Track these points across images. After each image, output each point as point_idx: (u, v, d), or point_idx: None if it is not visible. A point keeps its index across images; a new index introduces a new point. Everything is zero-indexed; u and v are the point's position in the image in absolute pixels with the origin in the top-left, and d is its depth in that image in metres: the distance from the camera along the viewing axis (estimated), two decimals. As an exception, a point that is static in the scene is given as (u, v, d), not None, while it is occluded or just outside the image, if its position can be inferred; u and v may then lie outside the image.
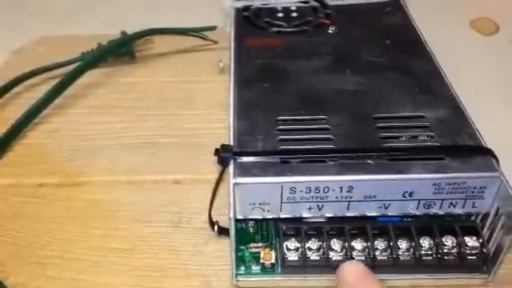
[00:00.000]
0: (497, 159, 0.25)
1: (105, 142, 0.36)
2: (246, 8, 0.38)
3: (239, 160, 0.26)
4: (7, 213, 0.32)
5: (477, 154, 0.25)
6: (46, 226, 0.31)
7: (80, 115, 0.39)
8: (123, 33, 0.43)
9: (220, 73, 0.41)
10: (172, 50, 0.45)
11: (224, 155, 0.26)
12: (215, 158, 0.27)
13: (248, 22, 0.37)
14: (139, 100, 0.40)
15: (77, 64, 0.39)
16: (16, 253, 0.29)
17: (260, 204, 0.25)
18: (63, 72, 0.41)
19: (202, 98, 0.39)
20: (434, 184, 0.25)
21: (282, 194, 0.25)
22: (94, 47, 0.43)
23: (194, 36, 0.44)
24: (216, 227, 0.29)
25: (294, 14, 0.37)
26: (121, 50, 0.43)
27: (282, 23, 0.36)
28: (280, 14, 0.37)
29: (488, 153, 0.25)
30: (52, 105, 0.38)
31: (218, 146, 0.27)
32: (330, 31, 0.35)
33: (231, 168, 0.25)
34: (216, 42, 0.44)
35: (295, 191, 0.25)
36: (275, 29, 0.36)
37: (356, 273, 0.25)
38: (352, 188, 0.25)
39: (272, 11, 0.38)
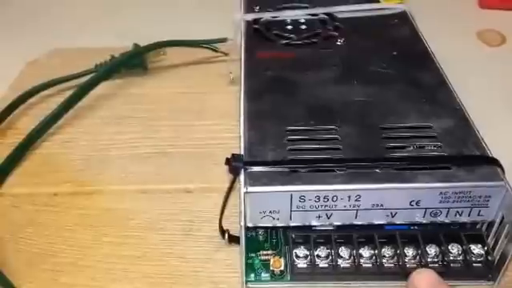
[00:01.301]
0: (502, 169, 0.26)
1: (118, 152, 0.37)
2: (256, 20, 0.39)
3: (250, 169, 0.26)
4: (22, 221, 0.32)
5: (483, 163, 0.26)
6: (60, 234, 0.32)
7: (93, 126, 0.39)
8: (135, 45, 0.44)
9: (230, 84, 0.41)
10: (183, 62, 0.46)
11: (235, 165, 0.27)
12: (226, 168, 0.28)
13: (258, 34, 0.38)
14: (151, 111, 0.40)
15: (91, 75, 0.40)
16: (30, 260, 0.30)
17: (270, 212, 0.26)
18: (76, 83, 0.42)
19: (213, 108, 0.40)
20: (441, 193, 0.25)
21: (291, 202, 0.26)
22: (107, 59, 0.44)
23: (204, 48, 0.45)
24: (226, 235, 0.30)
25: (303, 27, 0.38)
26: (133, 62, 0.43)
27: (291, 35, 0.37)
28: (289, 27, 0.38)
29: (494, 162, 0.26)
30: (66, 115, 0.39)
31: (229, 156, 0.27)
32: (339, 43, 0.36)
33: (242, 177, 0.26)
34: (226, 54, 0.44)
35: (304, 200, 0.26)
36: (285, 41, 0.37)
37: (429, 282, 0.25)
38: (360, 197, 0.26)
39: (281, 24, 0.39)
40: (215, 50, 0.45)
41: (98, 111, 0.41)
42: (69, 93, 0.40)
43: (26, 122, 0.40)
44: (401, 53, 0.35)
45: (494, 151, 0.27)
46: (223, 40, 0.44)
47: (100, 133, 0.39)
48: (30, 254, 0.30)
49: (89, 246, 0.31)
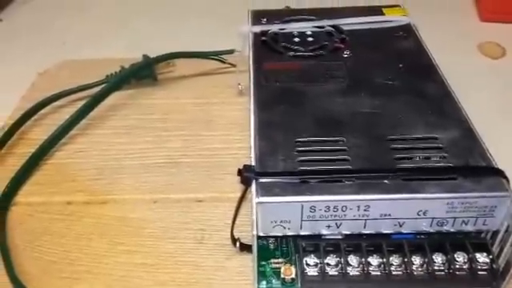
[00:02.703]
0: (507, 179, 0.26)
1: (129, 162, 0.38)
2: (264, 33, 0.40)
3: (261, 180, 0.27)
4: (38, 229, 0.33)
5: (488, 174, 0.27)
6: (75, 242, 0.32)
7: (105, 136, 0.40)
8: (145, 56, 0.45)
9: (239, 95, 0.42)
10: (192, 73, 0.46)
11: (247, 175, 0.27)
12: (235, 178, 0.29)
13: (266, 46, 0.39)
14: (161, 121, 0.41)
15: (102, 86, 0.41)
16: (46, 268, 0.31)
17: (281, 222, 0.27)
18: (87, 94, 0.43)
19: (222, 119, 0.41)
20: (448, 203, 0.26)
21: (302, 212, 0.26)
22: (117, 70, 0.44)
23: (213, 59, 0.46)
24: (238, 244, 0.31)
25: (310, 39, 0.39)
26: (143, 73, 0.44)
27: (298, 47, 0.38)
28: (296, 39, 0.39)
29: (499, 173, 0.27)
30: (78, 126, 0.40)
31: (238, 166, 0.28)
32: (345, 55, 0.37)
33: (254, 188, 0.27)
34: (234, 65, 0.45)
35: (315, 210, 0.26)
36: (292, 53, 0.38)
37: None
38: (369, 207, 0.26)
39: (289, 36, 0.39)
40: (223, 62, 0.46)
41: (109, 121, 0.42)
42: (80, 103, 0.41)
43: (38, 132, 0.41)
44: (406, 65, 0.36)
45: (498, 162, 0.28)
46: (231, 51, 0.45)
47: (111, 143, 0.39)
48: (46, 261, 0.31)
49: (104, 254, 0.31)
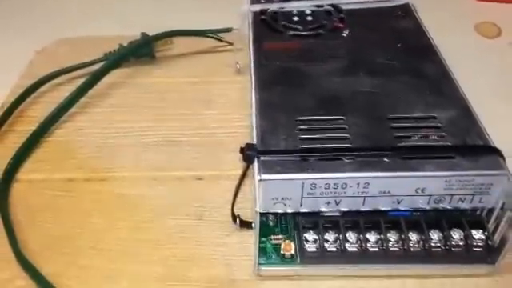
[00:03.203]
0: (504, 158, 0.27)
1: (129, 140, 0.38)
2: (263, 11, 0.40)
3: (263, 158, 0.27)
4: (40, 206, 0.34)
5: (485, 153, 0.27)
6: (77, 219, 0.33)
7: (104, 114, 0.40)
8: (143, 34, 0.45)
9: (237, 73, 0.42)
10: (190, 51, 0.46)
11: (249, 153, 0.28)
12: (235, 156, 0.29)
13: (265, 25, 0.39)
14: (159, 100, 0.41)
15: (102, 64, 0.41)
16: (49, 243, 0.31)
17: (282, 199, 0.27)
18: (85, 72, 0.43)
19: (220, 97, 0.41)
20: (445, 181, 0.26)
21: (302, 189, 0.27)
22: (115, 48, 0.44)
23: (210, 37, 0.46)
24: (238, 220, 0.31)
25: (309, 18, 0.39)
26: (142, 51, 0.44)
27: (297, 27, 0.38)
28: (296, 18, 0.39)
29: (495, 152, 0.27)
30: (77, 104, 0.40)
31: (238, 145, 0.29)
32: (344, 35, 0.37)
33: (256, 166, 0.27)
34: (231, 44, 0.45)
35: (315, 187, 0.27)
36: (291, 32, 0.38)
37: None
38: (368, 184, 0.27)
39: (288, 15, 0.39)
40: (220, 40, 0.46)
41: (109, 99, 0.42)
42: (78, 81, 0.41)
43: (37, 110, 0.41)
44: (405, 45, 0.36)
45: (495, 141, 0.28)
46: (228, 30, 0.45)
47: (111, 121, 0.40)
48: (49, 237, 0.32)
49: (105, 230, 0.32)
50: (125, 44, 0.44)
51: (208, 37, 0.46)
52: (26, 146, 0.37)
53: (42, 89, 0.42)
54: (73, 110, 0.40)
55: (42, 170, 0.36)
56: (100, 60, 0.43)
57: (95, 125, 0.39)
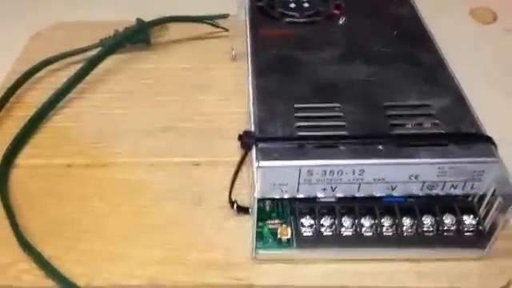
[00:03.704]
0: (495, 146, 0.28)
1: (126, 126, 0.38)
2: (260, -2, 0.40)
3: (261, 145, 0.28)
4: (39, 191, 0.34)
5: (477, 140, 0.28)
6: (77, 203, 0.33)
7: (101, 100, 0.41)
8: (139, 20, 0.45)
9: (232, 60, 0.43)
10: (186, 37, 0.46)
11: (247, 141, 0.28)
12: (232, 142, 0.30)
13: (262, 11, 0.39)
14: (156, 86, 0.42)
15: (98, 50, 0.41)
16: (50, 228, 0.32)
17: (280, 185, 0.28)
18: (81, 58, 0.43)
19: (216, 84, 0.41)
20: (439, 168, 0.27)
21: (299, 176, 0.28)
22: (110, 33, 0.44)
23: (206, 24, 0.46)
24: (235, 206, 0.32)
25: (306, 5, 0.39)
26: (138, 37, 0.44)
27: (294, 14, 0.38)
28: (292, 5, 0.39)
29: (487, 140, 0.28)
30: (74, 89, 0.40)
31: (235, 131, 0.29)
32: (341, 22, 0.38)
33: (254, 152, 0.28)
34: (227, 30, 0.45)
35: (312, 174, 0.27)
36: (288, 19, 0.38)
37: None
38: (363, 171, 0.27)
39: (284, 2, 0.39)
40: (216, 26, 0.46)
41: (106, 85, 0.42)
42: (73, 66, 0.42)
43: (34, 95, 0.41)
44: (401, 32, 0.36)
45: (486, 128, 0.29)
46: (225, 16, 0.45)
47: (109, 107, 0.40)
48: (50, 222, 0.32)
49: (105, 215, 0.32)
50: (120, 30, 0.44)
51: (204, 23, 0.46)
52: (24, 132, 0.37)
53: (39, 74, 0.42)
54: (70, 95, 0.40)
55: (41, 155, 0.36)
56: (96, 46, 0.43)
57: (93, 110, 0.40)
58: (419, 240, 0.29)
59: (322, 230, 0.29)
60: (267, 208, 0.31)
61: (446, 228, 0.29)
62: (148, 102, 0.40)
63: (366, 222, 0.29)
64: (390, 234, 0.29)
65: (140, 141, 0.37)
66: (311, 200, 0.29)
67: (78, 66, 0.40)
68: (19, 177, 0.35)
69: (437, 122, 0.29)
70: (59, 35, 0.47)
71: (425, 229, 0.29)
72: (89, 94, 0.41)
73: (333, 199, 0.29)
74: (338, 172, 0.28)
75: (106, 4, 0.53)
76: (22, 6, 0.54)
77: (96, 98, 0.41)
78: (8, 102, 0.40)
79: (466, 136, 0.28)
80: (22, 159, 0.36)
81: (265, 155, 0.27)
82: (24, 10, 0.53)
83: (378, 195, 0.29)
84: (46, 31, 0.48)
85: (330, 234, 0.29)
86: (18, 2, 0.54)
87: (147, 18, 0.45)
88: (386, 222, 0.29)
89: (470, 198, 0.30)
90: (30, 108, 0.39)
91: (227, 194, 0.32)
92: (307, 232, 0.30)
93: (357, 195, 0.29)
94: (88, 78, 0.41)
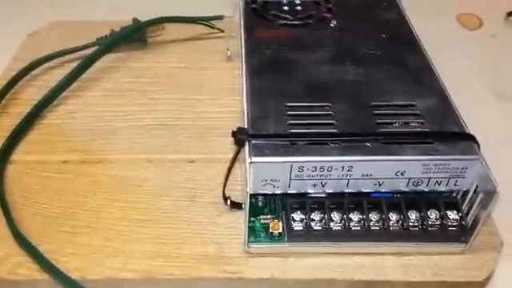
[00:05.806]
0: (478, 144, 0.29)
1: (122, 124, 0.39)
2: (254, 1, 0.41)
3: (253, 142, 0.29)
4: (35, 187, 0.35)
5: (461, 139, 0.29)
6: (73, 199, 0.34)
7: (97, 98, 0.41)
8: (135, 19, 0.46)
9: (227, 60, 0.44)
10: (182, 37, 0.47)
11: (240, 137, 0.29)
12: (226, 140, 0.31)
13: (256, 13, 0.40)
14: (151, 84, 0.42)
15: (94, 49, 0.42)
16: (45, 223, 0.32)
17: (271, 180, 0.29)
18: (77, 56, 0.44)
19: (211, 83, 0.42)
20: (424, 165, 0.28)
21: (291, 172, 0.29)
22: (107, 33, 0.45)
23: (202, 24, 0.46)
24: (229, 201, 0.33)
25: (299, 8, 0.40)
26: (134, 36, 0.45)
27: (287, 16, 0.39)
28: (285, 7, 0.40)
29: (470, 138, 0.29)
30: (70, 87, 0.41)
31: (228, 129, 0.30)
32: (332, 25, 0.39)
33: (247, 149, 0.29)
34: (222, 31, 0.46)
35: (303, 170, 0.28)
36: (281, 21, 0.39)
37: None
38: (352, 167, 0.29)
39: (278, 4, 0.41)
40: (212, 27, 0.47)
41: (101, 84, 0.42)
42: (69, 65, 0.42)
43: (30, 93, 0.41)
44: (389, 35, 0.37)
45: (471, 128, 0.30)
46: (220, 17, 0.46)
47: (104, 105, 0.41)
48: (46, 217, 0.33)
49: (101, 210, 0.33)
50: (116, 29, 0.45)
51: (201, 24, 0.47)
52: (20, 128, 0.37)
53: (35, 72, 0.43)
54: (66, 93, 0.40)
55: (37, 152, 0.37)
56: (92, 44, 0.44)
57: (89, 108, 0.40)
58: (405, 234, 0.30)
59: (313, 224, 0.30)
60: (260, 204, 0.32)
61: (430, 223, 0.30)
62: (142, 100, 0.41)
63: (355, 217, 0.30)
64: (378, 228, 0.30)
65: (135, 138, 0.38)
66: (302, 195, 0.30)
67: (74, 65, 0.41)
68: (15, 173, 0.36)
69: (422, 121, 0.30)
70: (56, 34, 0.48)
71: (410, 223, 0.30)
72: (85, 91, 0.42)
73: (323, 195, 0.30)
74: (327, 168, 0.29)
75: (103, 4, 0.54)
76: (18, 5, 0.54)
77: (91, 96, 0.41)
78: (4, 98, 0.40)
79: (449, 134, 0.30)
80: (18, 155, 0.37)
81: (257, 151, 0.28)
82: (21, 8, 0.54)
83: (365, 191, 0.30)
84: (43, 29, 0.49)
85: (320, 228, 0.30)
86: (15, 1, 0.55)
87: (144, 19, 0.45)
88: (374, 216, 0.30)
89: (453, 194, 0.31)
90: (26, 105, 0.39)
91: (221, 190, 0.33)
92: (298, 226, 0.30)
93: (346, 191, 0.30)
94: (84, 76, 0.41)
